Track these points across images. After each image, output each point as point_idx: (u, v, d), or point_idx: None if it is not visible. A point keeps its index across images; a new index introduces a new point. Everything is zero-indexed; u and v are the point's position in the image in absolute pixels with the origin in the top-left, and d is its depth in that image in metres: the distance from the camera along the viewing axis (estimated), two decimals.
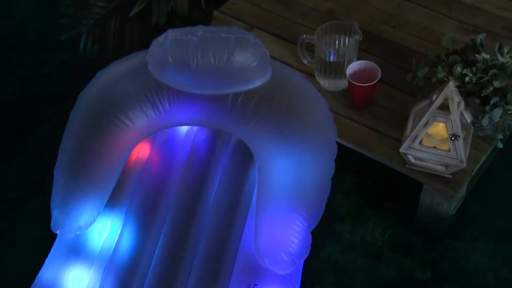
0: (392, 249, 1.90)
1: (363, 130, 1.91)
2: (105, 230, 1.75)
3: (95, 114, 1.78)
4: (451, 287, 1.84)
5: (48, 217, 1.70)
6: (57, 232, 1.69)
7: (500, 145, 1.84)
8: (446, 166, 1.79)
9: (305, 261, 1.64)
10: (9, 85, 2.35)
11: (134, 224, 1.74)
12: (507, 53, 1.79)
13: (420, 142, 1.77)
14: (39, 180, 2.04)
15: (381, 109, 1.95)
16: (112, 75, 1.83)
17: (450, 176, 1.80)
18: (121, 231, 1.74)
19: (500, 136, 1.81)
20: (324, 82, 1.99)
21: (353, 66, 1.92)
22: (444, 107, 1.71)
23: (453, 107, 1.70)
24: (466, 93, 1.79)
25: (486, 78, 1.75)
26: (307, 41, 1.96)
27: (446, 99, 1.71)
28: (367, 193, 2.02)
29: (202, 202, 1.76)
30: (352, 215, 1.97)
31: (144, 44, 1.88)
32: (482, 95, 1.76)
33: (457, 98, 1.73)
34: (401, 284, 1.84)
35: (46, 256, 1.72)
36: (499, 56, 1.78)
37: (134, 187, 1.81)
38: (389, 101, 1.96)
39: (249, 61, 1.71)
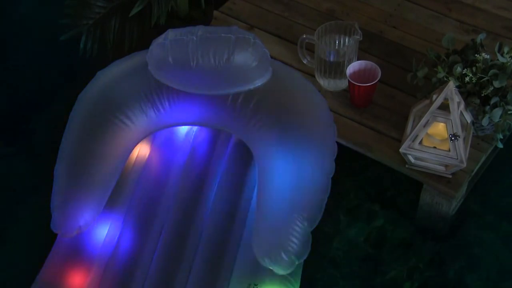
0: (391, 249, 1.90)
1: (363, 130, 1.91)
2: (105, 230, 1.75)
3: (95, 114, 1.78)
4: (451, 287, 1.84)
5: (47, 216, 1.70)
6: (57, 232, 1.69)
7: (500, 145, 1.83)
8: (446, 166, 1.79)
9: (304, 259, 1.64)
10: (9, 85, 2.35)
11: (133, 224, 1.74)
12: (507, 53, 1.79)
13: (420, 142, 1.77)
14: (39, 179, 2.04)
15: (381, 109, 1.95)
16: (112, 75, 1.83)
17: (450, 176, 1.80)
18: (121, 231, 1.74)
19: (500, 136, 1.81)
20: (324, 82, 1.99)
21: (353, 66, 1.91)
22: (444, 107, 1.71)
23: (453, 107, 1.70)
24: (466, 93, 1.79)
25: (486, 78, 1.75)
26: (307, 41, 1.96)
27: (446, 99, 1.71)
28: (367, 193, 2.02)
29: (202, 202, 1.76)
30: (351, 215, 1.97)
31: (144, 44, 1.88)
32: (482, 95, 1.76)
33: (457, 98, 1.73)
34: (400, 283, 1.84)
35: (46, 256, 1.72)
36: (499, 56, 1.78)
37: (134, 188, 1.81)
38: (389, 101, 1.96)
39: (249, 61, 1.72)
